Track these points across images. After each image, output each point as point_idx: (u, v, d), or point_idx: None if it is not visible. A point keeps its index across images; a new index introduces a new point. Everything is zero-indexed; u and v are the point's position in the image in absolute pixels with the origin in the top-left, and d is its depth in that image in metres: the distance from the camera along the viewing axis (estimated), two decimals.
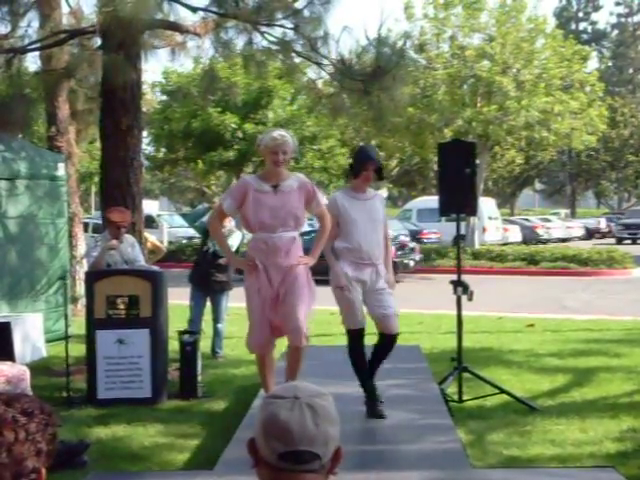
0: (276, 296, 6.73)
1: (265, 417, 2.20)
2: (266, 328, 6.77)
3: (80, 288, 14.03)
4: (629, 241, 43.73)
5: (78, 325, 11.16)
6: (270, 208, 6.69)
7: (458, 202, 8.21)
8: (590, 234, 48.87)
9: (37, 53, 12.68)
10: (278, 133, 6.75)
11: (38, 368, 9.38)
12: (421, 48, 28.71)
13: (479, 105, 28.95)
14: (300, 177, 6.99)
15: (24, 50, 11.35)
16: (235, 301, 11.35)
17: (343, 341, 12.27)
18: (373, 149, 7.71)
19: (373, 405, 7.06)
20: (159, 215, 38.64)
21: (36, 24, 11.89)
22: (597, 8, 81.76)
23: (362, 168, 7.16)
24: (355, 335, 7.24)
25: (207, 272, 10.62)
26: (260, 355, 6.97)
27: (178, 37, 11.80)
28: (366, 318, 7.20)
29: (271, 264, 6.73)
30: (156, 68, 39.33)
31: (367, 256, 7.12)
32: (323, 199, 7.06)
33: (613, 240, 44.62)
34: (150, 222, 29.75)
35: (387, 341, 7.22)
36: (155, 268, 9.49)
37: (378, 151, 7.62)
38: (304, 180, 6.95)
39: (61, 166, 12.73)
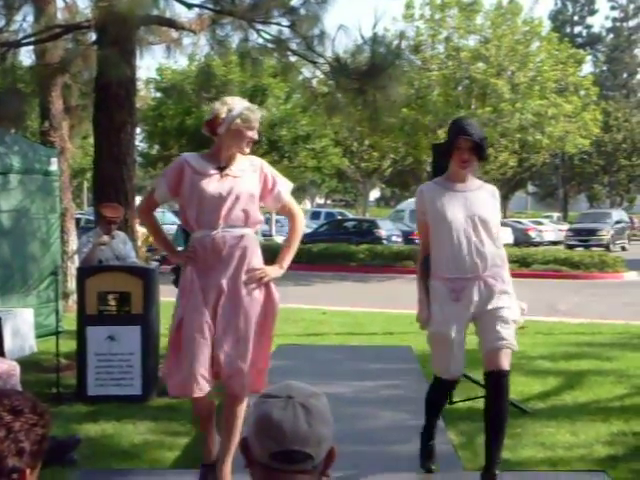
0: (214, 318, 5.15)
1: (258, 416, 2.18)
2: (198, 361, 5.07)
3: (71, 284, 13.99)
4: (580, 248, 35.76)
5: (69, 321, 11.12)
6: (212, 196, 5.17)
7: None
8: None
9: (31, 47, 12.64)
10: (249, 104, 5.38)
11: (28, 363, 9.34)
12: (416, 49, 28.76)
13: (473, 107, 29.01)
14: (255, 160, 5.42)
15: (18, 44, 11.32)
16: None
17: (334, 340, 12.33)
18: (470, 122, 5.58)
19: (425, 457, 5.73)
20: None
21: (31, 18, 11.86)
22: (592, 12, 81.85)
23: (453, 146, 5.37)
24: (442, 383, 5.62)
25: None
26: (194, 401, 5.30)
27: (173, 34, 11.80)
28: (462, 365, 5.52)
29: (206, 274, 5.16)
30: (151, 64, 39.27)
31: (468, 267, 5.30)
32: (287, 189, 5.45)
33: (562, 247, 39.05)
34: None
35: (491, 382, 5.38)
36: (140, 263, 9.46)
37: (478, 125, 5.63)
38: (261, 163, 5.41)
39: (54, 161, 12.69)
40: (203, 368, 5.06)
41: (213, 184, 5.18)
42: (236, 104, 5.28)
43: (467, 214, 5.36)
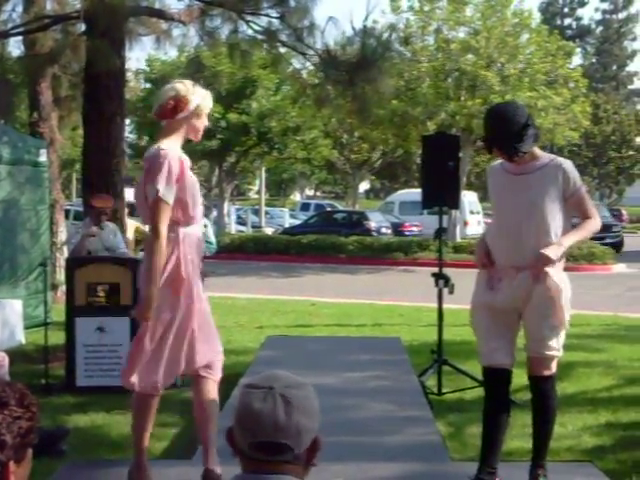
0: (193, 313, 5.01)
1: (239, 406, 2.21)
2: (177, 359, 5.10)
3: (60, 275, 13.97)
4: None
5: (58, 312, 11.11)
6: (197, 190, 5.01)
7: (441, 195, 8.20)
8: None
9: (20, 38, 12.60)
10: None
11: (16, 354, 9.32)
12: (406, 41, 28.69)
13: (463, 99, 28.96)
14: None
15: (7, 35, 11.28)
16: (216, 290, 11.32)
17: (323, 332, 12.33)
18: (495, 122, 4.94)
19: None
20: None
21: (20, 8, 11.82)
22: (582, 4, 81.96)
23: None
24: (486, 376, 5.27)
25: None
26: (146, 398, 5.24)
27: (163, 25, 11.76)
28: (506, 353, 5.18)
29: (195, 269, 4.97)
30: (140, 56, 39.15)
31: (508, 258, 4.98)
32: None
33: None
34: (132, 210, 29.64)
35: (531, 386, 5.30)
36: (134, 256, 9.45)
37: (508, 116, 4.88)
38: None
39: (43, 152, 12.66)
40: (176, 363, 5.12)
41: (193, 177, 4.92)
42: (196, 88, 4.93)
43: (520, 201, 4.90)
